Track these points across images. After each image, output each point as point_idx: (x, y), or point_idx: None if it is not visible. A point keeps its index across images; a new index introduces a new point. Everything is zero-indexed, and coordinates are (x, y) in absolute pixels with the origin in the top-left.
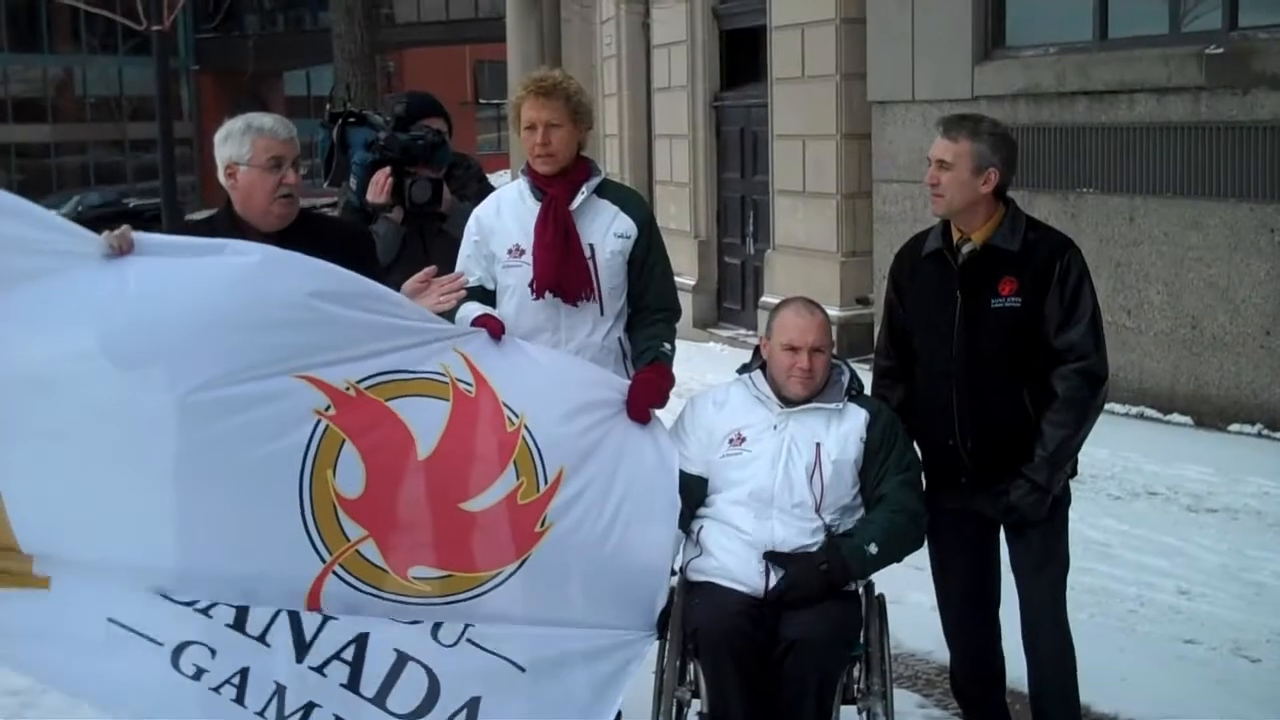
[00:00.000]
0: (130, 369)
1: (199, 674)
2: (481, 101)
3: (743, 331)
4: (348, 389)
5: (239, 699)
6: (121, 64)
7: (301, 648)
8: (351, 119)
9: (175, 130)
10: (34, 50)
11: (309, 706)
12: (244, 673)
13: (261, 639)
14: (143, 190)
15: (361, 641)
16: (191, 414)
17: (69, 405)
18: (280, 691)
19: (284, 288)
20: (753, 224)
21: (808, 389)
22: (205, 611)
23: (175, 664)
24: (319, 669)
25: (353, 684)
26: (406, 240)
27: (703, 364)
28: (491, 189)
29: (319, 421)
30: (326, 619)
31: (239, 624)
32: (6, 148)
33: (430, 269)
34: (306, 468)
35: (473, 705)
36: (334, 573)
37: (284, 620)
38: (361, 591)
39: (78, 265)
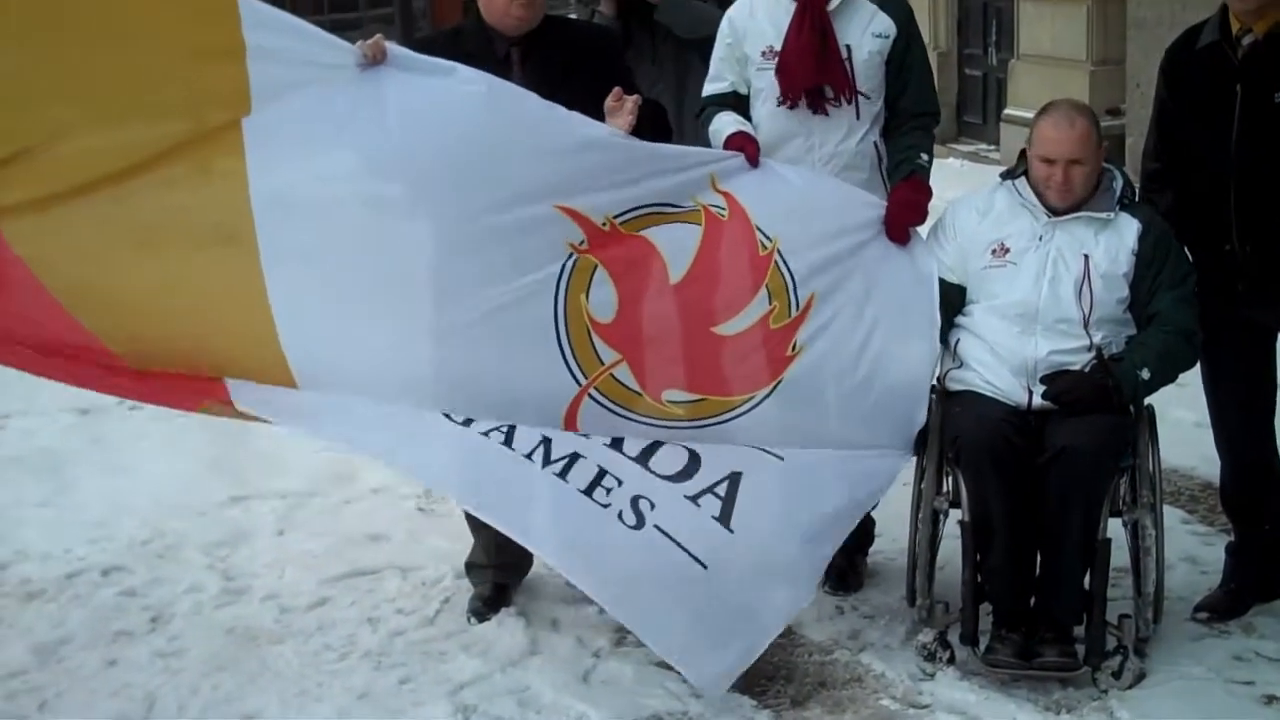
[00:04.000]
0: (392, 189)
1: (468, 422)
2: None
3: (984, 147)
4: (604, 224)
5: (507, 442)
6: None
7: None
8: None
9: None
10: None
11: (574, 456)
12: (511, 426)
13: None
14: (375, 17)
15: (618, 441)
16: (450, 241)
17: (315, 229)
18: (546, 441)
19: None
20: (996, 33)
21: (1066, 201)
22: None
23: (447, 415)
24: (584, 435)
25: (615, 446)
26: (628, 34)
27: (941, 181)
28: None
29: (572, 254)
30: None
31: (507, 442)
32: None
33: (617, 89)
34: (560, 292)
35: (734, 479)
36: (589, 395)
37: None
38: (616, 414)
39: (334, 77)
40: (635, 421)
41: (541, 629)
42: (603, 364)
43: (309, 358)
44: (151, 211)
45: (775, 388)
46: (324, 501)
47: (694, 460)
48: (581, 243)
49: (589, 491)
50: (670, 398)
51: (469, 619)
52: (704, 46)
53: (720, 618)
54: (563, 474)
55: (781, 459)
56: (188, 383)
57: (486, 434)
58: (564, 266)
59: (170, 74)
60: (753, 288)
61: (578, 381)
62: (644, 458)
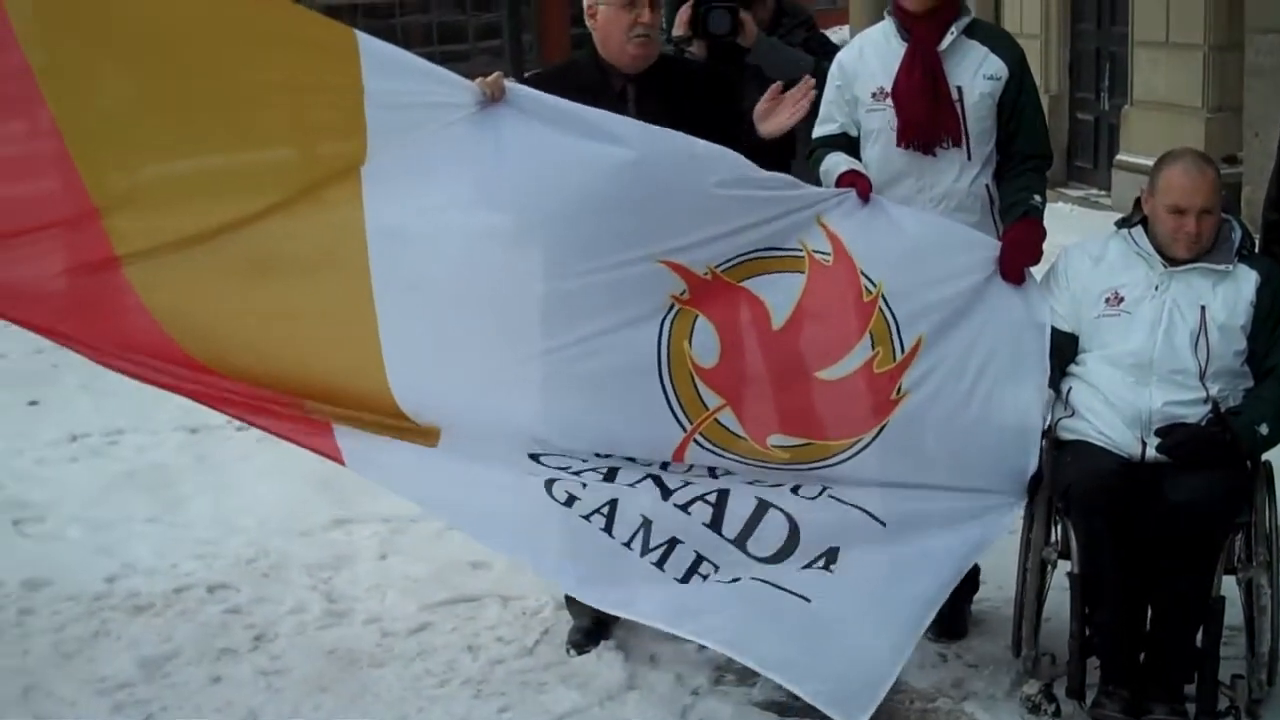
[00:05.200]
0: (502, 220)
1: (570, 500)
2: None
3: (1094, 192)
4: (705, 274)
5: (607, 528)
6: None
7: (667, 493)
8: None
9: None
10: None
11: (672, 542)
12: (613, 504)
13: (631, 486)
14: (483, 49)
15: (724, 492)
16: (555, 280)
17: (427, 258)
18: (646, 525)
19: (657, 175)
20: (1109, 77)
21: (1193, 251)
22: (577, 474)
23: (549, 491)
24: (683, 507)
25: (715, 524)
26: None
27: (1051, 225)
28: (822, 39)
29: (674, 306)
30: (688, 483)
31: (609, 479)
32: (354, 7)
33: (776, 85)
34: (663, 338)
35: (831, 553)
36: (694, 440)
37: (649, 481)
38: (720, 458)
39: (454, 115)
40: (740, 463)
41: (640, 664)
42: (707, 408)
43: (413, 387)
44: (262, 239)
45: (880, 432)
46: (426, 527)
47: (793, 536)
48: (683, 293)
49: (685, 579)
50: (775, 442)
51: (568, 650)
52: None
53: (835, 649)
54: (660, 563)
55: (884, 524)
56: (306, 430)
57: (587, 518)
58: (665, 314)
59: (287, 106)
60: (856, 333)
61: (683, 427)
62: (741, 539)
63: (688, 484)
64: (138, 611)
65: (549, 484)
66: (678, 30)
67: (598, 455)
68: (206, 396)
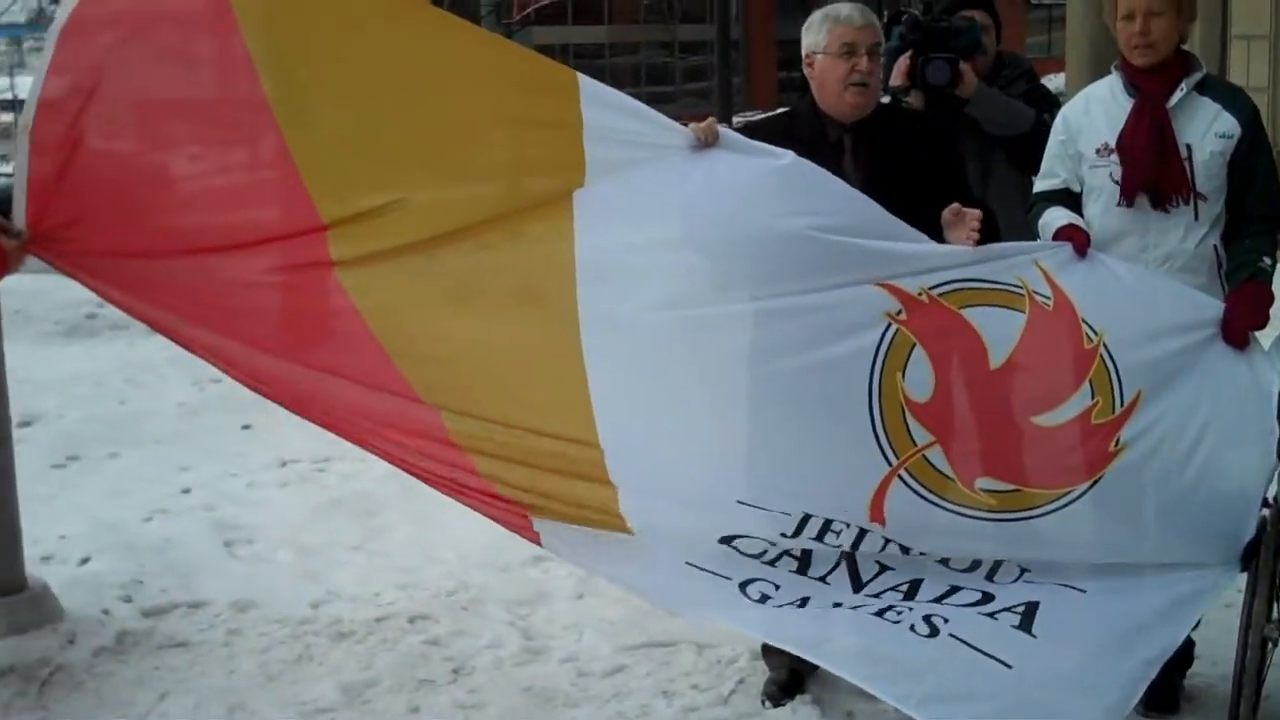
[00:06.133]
0: (712, 262)
1: (763, 599)
2: (1032, 2)
3: None
4: (920, 294)
5: (799, 571)
6: None
7: (858, 585)
8: (897, 18)
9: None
10: None
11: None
12: (804, 600)
13: (822, 580)
14: (690, 91)
15: (915, 583)
16: (767, 314)
17: (632, 295)
18: (838, 606)
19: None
20: None
21: None
22: (771, 563)
23: (743, 591)
24: (875, 595)
25: (909, 596)
26: None
27: (1276, 286)
28: (1043, 90)
29: (890, 325)
30: (883, 569)
31: (801, 570)
32: (565, 48)
33: (955, 205)
34: (876, 368)
35: (1031, 606)
36: (899, 477)
37: (843, 567)
38: (924, 499)
39: (666, 157)
40: (943, 509)
41: None
42: (915, 445)
43: (619, 427)
44: (472, 266)
45: (1093, 485)
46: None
47: (987, 597)
48: (899, 313)
49: (880, 614)
50: (983, 485)
51: (763, 702)
52: (1010, 144)
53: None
54: (854, 607)
55: (1084, 591)
56: (503, 511)
57: (780, 607)
58: (882, 338)
59: (507, 140)
60: (1076, 380)
61: (889, 461)
62: (937, 601)
63: (881, 570)
64: (340, 638)
65: (743, 585)
66: (895, 80)
67: (791, 518)
68: (403, 463)
